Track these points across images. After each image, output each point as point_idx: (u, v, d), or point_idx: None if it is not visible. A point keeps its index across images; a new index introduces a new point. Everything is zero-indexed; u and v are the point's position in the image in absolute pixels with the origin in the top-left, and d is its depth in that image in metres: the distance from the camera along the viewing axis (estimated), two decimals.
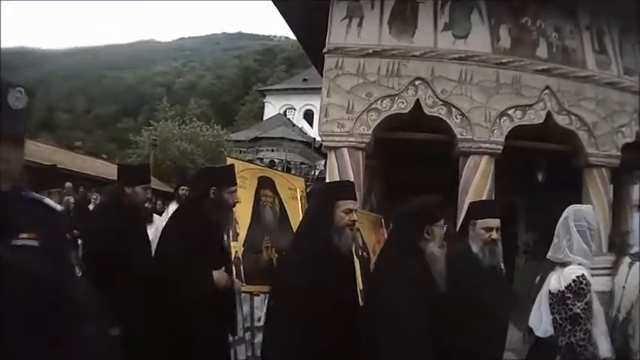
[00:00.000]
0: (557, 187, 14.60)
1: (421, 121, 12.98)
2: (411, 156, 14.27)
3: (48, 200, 3.15)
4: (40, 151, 29.23)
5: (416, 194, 6.31)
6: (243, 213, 7.80)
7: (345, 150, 12.57)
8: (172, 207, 11.98)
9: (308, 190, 10.76)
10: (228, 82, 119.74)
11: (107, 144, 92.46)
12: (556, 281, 5.39)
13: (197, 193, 7.05)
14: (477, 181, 12.45)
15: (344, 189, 6.55)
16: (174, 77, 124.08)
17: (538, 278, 5.98)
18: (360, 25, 13.07)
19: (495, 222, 6.45)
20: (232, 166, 7.26)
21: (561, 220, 5.77)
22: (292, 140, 59.50)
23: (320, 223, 6.08)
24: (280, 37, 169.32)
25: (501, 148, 12.74)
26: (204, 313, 6.19)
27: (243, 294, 8.20)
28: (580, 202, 13.12)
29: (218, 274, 6.50)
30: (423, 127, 13.25)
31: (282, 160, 55.85)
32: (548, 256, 5.84)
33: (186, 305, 6.07)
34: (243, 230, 7.68)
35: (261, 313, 9.43)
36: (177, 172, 42.33)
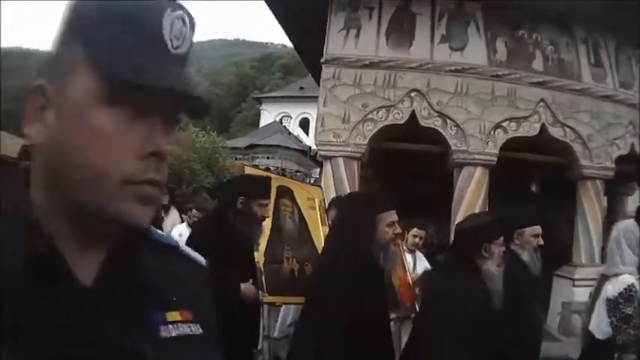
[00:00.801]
0: (552, 198, 14.70)
1: (416, 132, 13.04)
2: (406, 166, 14.34)
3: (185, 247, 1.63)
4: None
5: (410, 205, 6.34)
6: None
7: (341, 159, 12.62)
8: (174, 213, 11.59)
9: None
10: (225, 88, 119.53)
11: None
12: (611, 290, 5.61)
13: (224, 203, 6.48)
14: (471, 191, 12.53)
15: (385, 200, 5.88)
16: None
17: (594, 288, 6.16)
18: (357, 36, 13.16)
19: (540, 228, 6.54)
20: (268, 178, 6.70)
21: (612, 238, 5.97)
22: (288, 148, 59.43)
23: (361, 238, 5.38)
24: (277, 44, 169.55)
25: (495, 159, 12.85)
26: (232, 327, 5.41)
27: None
28: (574, 214, 13.28)
29: (246, 287, 6.20)
30: (418, 138, 13.32)
31: (278, 168, 55.74)
32: (603, 272, 6.04)
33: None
34: (263, 240, 7.38)
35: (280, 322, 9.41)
36: (173, 177, 42.30)
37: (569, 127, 13.24)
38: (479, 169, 12.69)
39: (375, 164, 14.19)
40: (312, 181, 57.92)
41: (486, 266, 5.30)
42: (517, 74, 13.08)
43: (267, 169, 53.28)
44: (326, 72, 13.09)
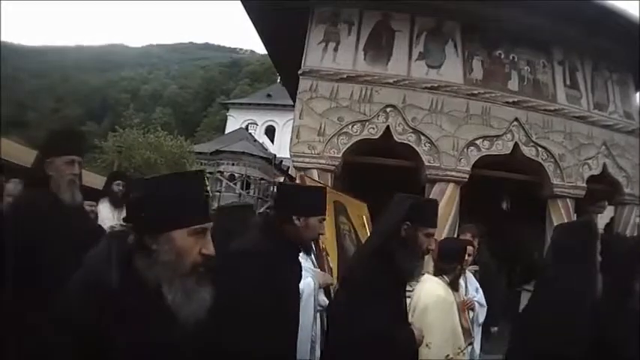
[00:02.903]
0: (522, 216, 14.85)
1: (390, 147, 13.11)
2: (378, 180, 14.40)
3: None
4: (17, 151, 28.53)
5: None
6: (329, 243, 7.10)
7: (315, 172, 12.60)
8: (104, 206, 10.17)
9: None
10: (192, 92, 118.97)
11: None
12: None
13: (279, 217, 4.98)
14: (442, 207, 12.51)
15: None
16: (140, 84, 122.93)
17: None
18: (336, 49, 13.24)
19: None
20: (323, 189, 5.37)
21: None
22: (253, 155, 59.18)
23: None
24: (246, 50, 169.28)
25: (467, 176, 13.01)
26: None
27: None
28: (544, 231, 13.41)
29: None
30: (391, 153, 13.40)
31: (242, 175, 55.62)
32: None
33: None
34: (334, 262, 7.02)
35: None
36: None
37: (541, 146, 13.44)
38: (451, 185, 12.82)
39: (348, 177, 14.22)
40: (276, 190, 58.13)
41: None
42: (492, 93, 13.26)
43: (232, 176, 52.89)
44: (303, 84, 13.12)
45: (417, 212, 4.68)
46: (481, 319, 7.48)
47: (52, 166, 4.84)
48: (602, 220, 18.38)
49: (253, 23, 15.38)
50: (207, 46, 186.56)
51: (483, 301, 7.66)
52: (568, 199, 13.72)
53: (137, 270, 2.43)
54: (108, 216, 9.64)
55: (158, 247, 2.42)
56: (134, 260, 2.45)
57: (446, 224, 12.20)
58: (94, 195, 9.64)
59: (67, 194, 4.87)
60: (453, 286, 6.21)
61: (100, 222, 8.41)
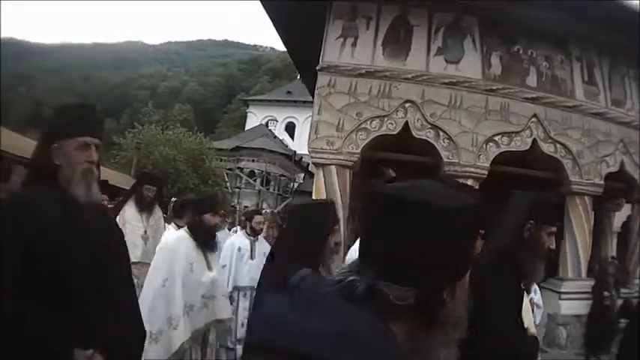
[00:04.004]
0: None
1: (409, 143, 13.12)
2: (396, 177, 14.35)
3: None
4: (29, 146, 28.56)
5: None
6: None
7: (333, 168, 12.66)
8: (130, 206, 9.51)
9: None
10: (212, 89, 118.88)
11: None
12: None
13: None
14: None
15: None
16: (159, 81, 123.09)
17: None
18: (354, 45, 13.22)
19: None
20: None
21: None
22: (273, 152, 58.95)
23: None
24: (266, 47, 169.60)
25: (486, 172, 12.96)
26: None
27: None
28: (562, 229, 13.34)
29: None
30: (409, 149, 13.41)
31: (262, 171, 55.64)
32: None
33: None
34: None
35: None
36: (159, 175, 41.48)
37: (560, 143, 13.38)
38: (469, 182, 12.65)
39: (366, 174, 14.21)
40: (295, 186, 58.10)
41: None
42: (511, 89, 13.21)
43: (252, 173, 52.80)
44: (321, 79, 13.13)
45: (540, 210, 4.22)
46: (538, 319, 7.46)
47: (61, 152, 3.53)
48: (619, 217, 18.31)
49: (271, 20, 15.37)
50: (226, 43, 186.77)
51: (541, 303, 7.65)
52: (586, 197, 13.68)
53: None
54: (134, 218, 9.34)
55: None
56: None
57: None
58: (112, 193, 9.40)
59: (80, 189, 3.53)
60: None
61: (121, 224, 7.97)
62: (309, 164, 25.91)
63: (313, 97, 13.67)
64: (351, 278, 1.56)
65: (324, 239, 4.34)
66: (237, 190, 54.16)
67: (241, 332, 9.19)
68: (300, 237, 4.27)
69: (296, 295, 1.60)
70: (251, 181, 56.57)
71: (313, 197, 12.92)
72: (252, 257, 9.71)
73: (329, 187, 12.63)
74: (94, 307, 3.34)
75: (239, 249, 9.74)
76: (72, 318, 3.25)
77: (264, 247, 9.49)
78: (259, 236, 10.01)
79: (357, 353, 1.40)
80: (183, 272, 6.68)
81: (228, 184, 53.85)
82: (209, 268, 7.10)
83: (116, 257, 3.76)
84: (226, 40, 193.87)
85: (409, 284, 1.53)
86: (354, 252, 6.06)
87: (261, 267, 9.30)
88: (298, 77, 49.06)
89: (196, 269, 6.87)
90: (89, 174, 3.59)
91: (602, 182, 13.73)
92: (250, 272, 9.41)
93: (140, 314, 4.05)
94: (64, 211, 3.45)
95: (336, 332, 1.43)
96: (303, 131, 69.28)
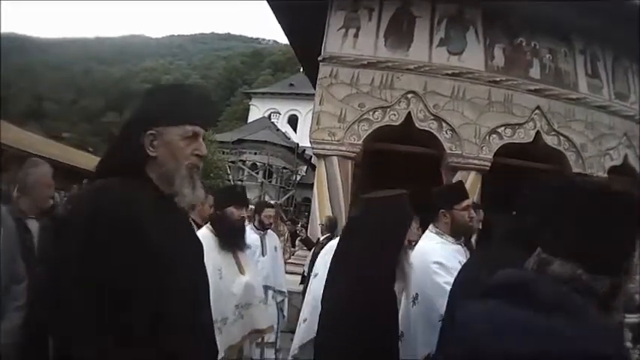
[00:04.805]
0: None
1: (411, 135, 13.06)
2: (398, 168, 14.32)
3: None
4: (32, 141, 28.47)
5: None
6: None
7: (335, 158, 12.64)
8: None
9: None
10: (214, 82, 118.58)
11: (91, 137, 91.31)
12: None
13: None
14: None
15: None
16: (161, 74, 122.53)
17: None
18: (356, 35, 13.19)
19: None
20: None
21: None
22: (275, 144, 58.83)
23: None
24: (268, 40, 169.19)
25: (489, 164, 12.90)
26: None
27: None
28: None
29: None
30: (412, 140, 13.35)
31: (265, 164, 55.58)
32: None
33: None
34: None
35: None
36: None
37: (563, 135, 13.32)
38: (472, 174, 12.72)
39: (368, 165, 14.16)
40: (298, 179, 58.05)
41: None
42: (514, 81, 13.15)
43: (254, 165, 52.88)
44: (323, 70, 13.10)
45: None
46: None
47: (160, 141, 2.68)
48: None
49: (274, 12, 15.30)
50: (229, 37, 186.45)
51: None
52: None
53: None
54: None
55: None
56: None
57: None
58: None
59: (185, 189, 2.73)
60: None
61: None
62: (311, 157, 25.86)
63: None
64: (578, 274, 1.63)
65: (404, 236, 3.89)
66: (239, 182, 54.18)
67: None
68: (382, 236, 3.75)
69: (532, 300, 1.58)
70: (253, 173, 56.54)
71: (314, 188, 12.87)
72: (263, 254, 8.45)
73: (331, 177, 12.58)
74: (185, 343, 2.53)
75: (249, 246, 7.92)
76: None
77: (274, 242, 8.82)
78: (269, 230, 8.82)
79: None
80: (211, 281, 5.07)
81: (230, 176, 53.76)
82: (241, 271, 5.95)
83: (204, 278, 2.98)
84: (229, 33, 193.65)
85: (607, 273, 1.64)
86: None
87: (273, 263, 8.79)
88: (301, 70, 49.04)
89: (226, 275, 5.70)
90: (196, 172, 2.80)
91: (605, 175, 13.57)
92: (263, 270, 8.14)
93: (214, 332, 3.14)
94: (162, 220, 2.56)
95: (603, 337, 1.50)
96: (305, 124, 69.12)
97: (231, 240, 5.97)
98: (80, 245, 2.31)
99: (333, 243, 6.91)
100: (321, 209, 12.53)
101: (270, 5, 14.90)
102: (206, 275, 3.02)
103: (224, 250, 5.87)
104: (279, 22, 16.06)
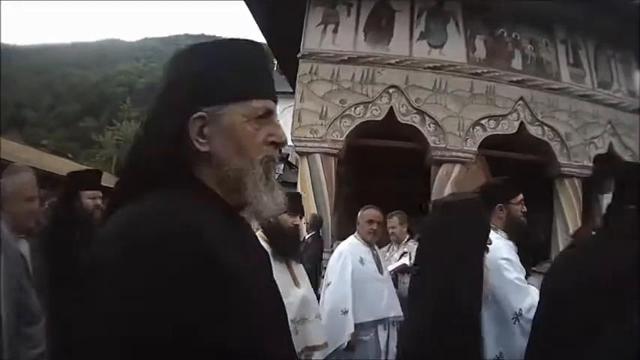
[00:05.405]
0: (528, 198, 14.69)
1: (394, 129, 12.95)
2: (383, 163, 14.25)
3: None
4: (9, 149, 28.04)
5: (386, 202, 6.13)
6: None
7: (318, 156, 12.52)
8: None
9: None
10: None
11: (69, 143, 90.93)
12: None
13: None
14: (449, 189, 12.43)
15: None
16: (137, 77, 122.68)
17: None
18: (335, 31, 13.08)
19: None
20: None
21: None
22: None
23: None
24: None
25: (474, 157, 12.83)
26: None
27: None
28: (551, 212, 13.26)
29: None
30: (395, 135, 13.25)
31: None
32: None
33: None
34: None
35: None
36: None
37: (547, 125, 13.29)
38: (457, 167, 12.66)
39: (352, 162, 14.07)
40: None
41: None
42: (496, 72, 13.11)
43: None
44: (303, 67, 12.96)
45: None
46: None
47: (214, 128, 1.73)
48: (606, 200, 18.26)
49: (250, 9, 15.14)
50: (202, 37, 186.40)
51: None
52: (575, 179, 13.56)
53: None
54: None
55: None
56: None
57: None
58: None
59: (262, 194, 1.79)
60: None
61: None
62: (288, 154, 25.66)
63: (293, 87, 13.53)
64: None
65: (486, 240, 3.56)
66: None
67: None
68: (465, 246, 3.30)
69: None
70: None
71: (298, 187, 12.74)
72: None
73: (314, 175, 12.46)
74: None
75: None
76: None
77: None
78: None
79: None
80: None
81: None
82: (296, 284, 5.53)
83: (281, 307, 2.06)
84: (202, 34, 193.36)
85: None
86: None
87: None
88: (276, 68, 48.87)
89: (281, 288, 4.66)
90: (272, 168, 1.87)
91: (590, 164, 13.63)
92: None
93: None
94: (234, 245, 1.67)
95: None
96: (281, 122, 69.38)
97: (285, 249, 5.49)
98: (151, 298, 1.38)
99: (342, 247, 6.73)
100: (305, 207, 12.42)
101: (247, 3, 14.75)
102: (282, 304, 2.07)
103: (277, 260, 5.19)
104: (256, 20, 15.91)
